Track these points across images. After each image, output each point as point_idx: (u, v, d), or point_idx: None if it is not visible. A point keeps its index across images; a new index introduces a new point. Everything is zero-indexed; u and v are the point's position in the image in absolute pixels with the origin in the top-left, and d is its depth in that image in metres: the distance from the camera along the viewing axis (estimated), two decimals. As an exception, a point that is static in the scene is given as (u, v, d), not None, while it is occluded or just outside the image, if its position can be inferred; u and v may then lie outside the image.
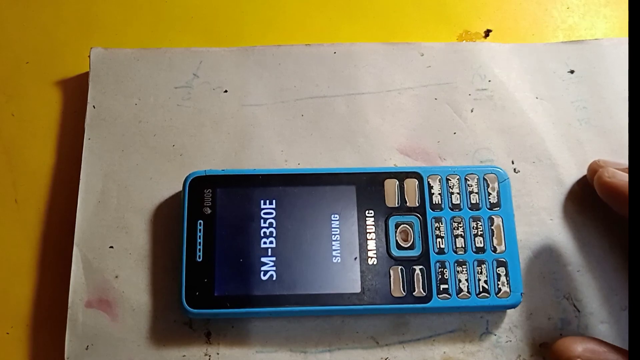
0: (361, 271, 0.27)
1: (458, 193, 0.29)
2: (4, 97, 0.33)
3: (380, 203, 0.28)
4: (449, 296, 0.27)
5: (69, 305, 0.28)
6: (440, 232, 0.28)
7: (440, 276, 0.27)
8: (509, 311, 0.29)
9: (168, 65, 0.32)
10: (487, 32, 0.34)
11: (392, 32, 0.35)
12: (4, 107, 0.33)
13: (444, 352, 0.28)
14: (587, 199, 0.30)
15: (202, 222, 0.28)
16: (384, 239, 0.28)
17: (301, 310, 0.27)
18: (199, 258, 0.27)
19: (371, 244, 0.28)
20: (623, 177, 0.27)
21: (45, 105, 0.33)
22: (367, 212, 0.28)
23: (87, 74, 0.32)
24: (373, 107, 0.32)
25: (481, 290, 0.27)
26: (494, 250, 0.28)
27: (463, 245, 0.28)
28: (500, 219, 0.28)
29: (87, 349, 0.28)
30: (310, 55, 0.33)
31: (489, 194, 0.29)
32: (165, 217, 0.30)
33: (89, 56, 0.32)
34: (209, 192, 0.28)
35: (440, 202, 0.29)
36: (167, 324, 0.28)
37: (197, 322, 0.28)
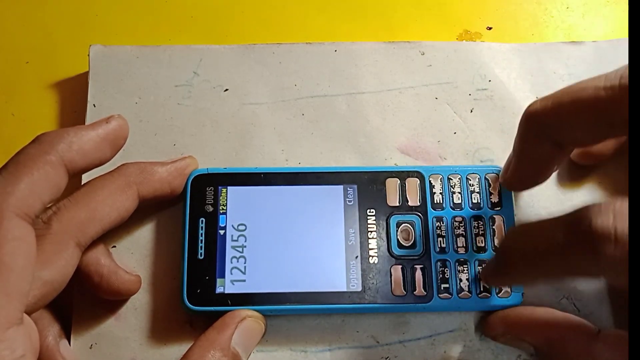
0: (362, 270, 0.27)
1: (459, 192, 0.29)
2: (4, 97, 0.33)
3: (381, 202, 0.28)
4: (449, 295, 0.27)
5: (74, 305, 0.28)
6: (441, 231, 0.28)
7: (441, 275, 0.28)
8: (509, 311, 0.29)
9: (168, 63, 0.32)
10: (488, 29, 0.34)
11: (393, 31, 0.35)
12: (4, 107, 0.33)
13: (444, 352, 0.28)
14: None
15: (204, 219, 0.28)
16: (385, 238, 0.28)
17: (302, 308, 0.27)
18: (201, 256, 0.27)
19: (372, 243, 0.28)
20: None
21: (45, 105, 0.33)
22: (368, 211, 0.28)
23: (87, 74, 0.32)
24: (374, 107, 0.32)
25: (482, 289, 0.27)
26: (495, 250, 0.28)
27: (464, 245, 0.28)
28: (502, 218, 0.28)
29: (90, 347, 0.28)
30: (311, 53, 0.33)
31: (491, 193, 0.29)
32: (168, 216, 0.30)
33: (89, 54, 0.32)
34: (210, 190, 0.28)
35: (441, 202, 0.29)
36: (169, 322, 0.28)
37: (198, 320, 0.28)
